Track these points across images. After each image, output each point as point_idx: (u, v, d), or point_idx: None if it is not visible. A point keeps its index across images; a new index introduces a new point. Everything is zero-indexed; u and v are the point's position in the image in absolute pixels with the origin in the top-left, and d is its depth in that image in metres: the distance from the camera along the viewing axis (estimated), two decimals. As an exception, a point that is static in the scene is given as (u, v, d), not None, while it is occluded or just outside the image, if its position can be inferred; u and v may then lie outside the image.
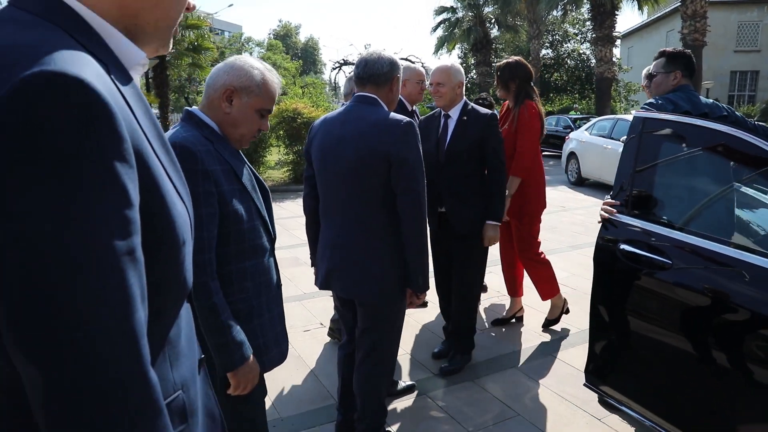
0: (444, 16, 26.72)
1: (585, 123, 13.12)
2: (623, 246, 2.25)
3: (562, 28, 28.41)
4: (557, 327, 3.89)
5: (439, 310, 3.83)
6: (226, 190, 1.55)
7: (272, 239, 1.73)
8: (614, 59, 20.34)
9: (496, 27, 27.08)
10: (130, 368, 0.62)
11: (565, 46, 29.10)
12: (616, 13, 19.67)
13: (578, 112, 21.42)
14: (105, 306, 0.60)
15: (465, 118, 3.10)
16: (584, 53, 27.74)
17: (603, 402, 2.88)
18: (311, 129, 2.34)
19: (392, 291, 2.24)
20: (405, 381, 3.08)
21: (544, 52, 27.40)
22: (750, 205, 2.24)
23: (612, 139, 10.08)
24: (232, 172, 1.59)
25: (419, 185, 2.12)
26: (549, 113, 23.70)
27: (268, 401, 2.89)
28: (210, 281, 1.50)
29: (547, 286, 3.78)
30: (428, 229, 2.38)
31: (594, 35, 20.42)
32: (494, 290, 4.67)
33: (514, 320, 3.99)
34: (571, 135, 12.27)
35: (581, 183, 11.25)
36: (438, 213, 3.19)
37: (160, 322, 0.76)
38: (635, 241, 2.23)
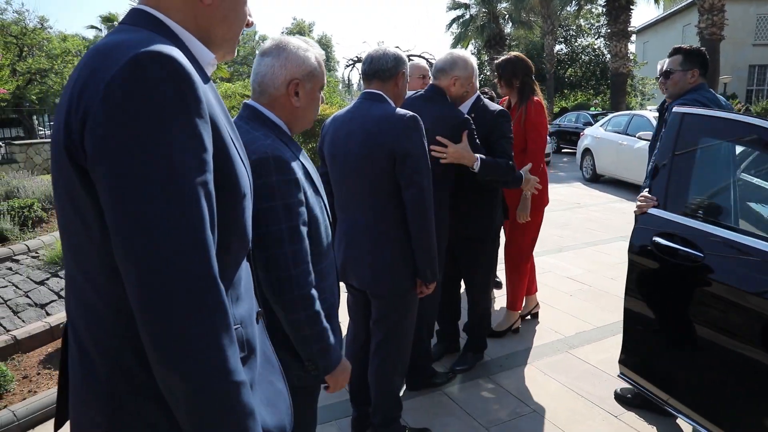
0: (458, 12, 26.63)
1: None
2: (658, 239, 2.27)
3: (576, 23, 28.09)
4: (570, 325, 3.89)
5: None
6: (309, 194, 1.52)
7: (330, 237, 1.67)
8: (629, 54, 20.07)
9: (510, 23, 26.89)
10: (203, 270, 0.81)
11: (579, 41, 28.78)
12: (632, 7, 19.42)
13: (598, 108, 21.08)
14: (183, 218, 0.79)
15: (473, 114, 2.93)
16: (599, 48, 27.40)
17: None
18: (323, 127, 2.37)
19: (403, 282, 2.27)
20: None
21: (558, 47, 27.12)
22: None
23: (627, 135, 9.89)
24: (308, 174, 1.54)
25: (423, 178, 2.14)
26: (563, 110, 23.51)
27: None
28: (311, 291, 1.45)
29: (519, 302, 3.75)
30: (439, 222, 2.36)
31: (609, 30, 20.16)
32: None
33: (529, 317, 3.99)
34: (586, 131, 12.13)
35: (596, 180, 11.14)
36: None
37: (224, 259, 0.91)
38: (670, 234, 2.24)
